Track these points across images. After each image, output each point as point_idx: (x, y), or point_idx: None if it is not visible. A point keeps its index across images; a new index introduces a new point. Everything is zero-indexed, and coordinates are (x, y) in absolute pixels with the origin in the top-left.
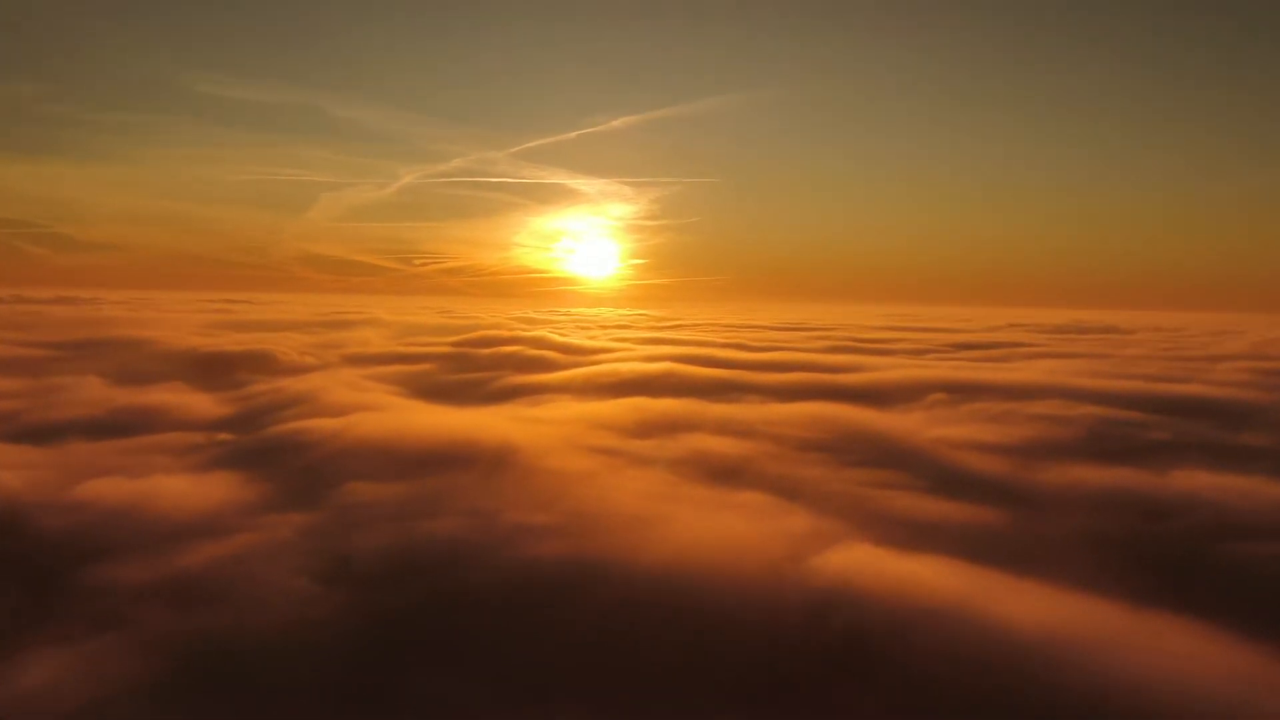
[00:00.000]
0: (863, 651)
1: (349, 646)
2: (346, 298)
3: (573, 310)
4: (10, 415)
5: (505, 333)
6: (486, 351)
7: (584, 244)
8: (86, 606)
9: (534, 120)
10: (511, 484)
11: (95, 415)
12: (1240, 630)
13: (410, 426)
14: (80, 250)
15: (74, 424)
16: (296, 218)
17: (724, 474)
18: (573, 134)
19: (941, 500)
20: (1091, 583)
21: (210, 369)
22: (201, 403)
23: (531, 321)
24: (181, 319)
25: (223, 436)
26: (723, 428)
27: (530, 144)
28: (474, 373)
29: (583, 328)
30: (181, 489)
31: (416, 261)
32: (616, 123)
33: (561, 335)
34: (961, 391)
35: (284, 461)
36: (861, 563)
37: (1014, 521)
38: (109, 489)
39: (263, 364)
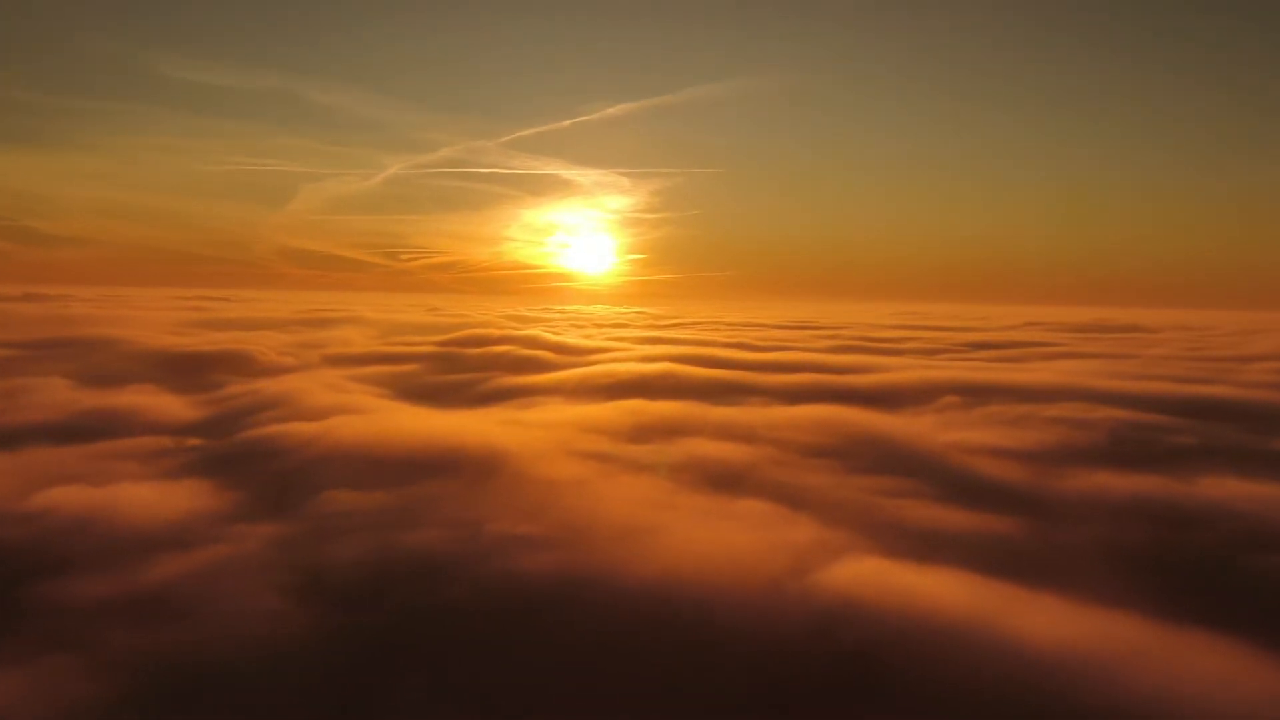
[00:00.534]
0: (871, 671)
1: (321, 666)
2: (329, 294)
3: (567, 308)
4: None
5: (496, 331)
6: (476, 351)
7: (579, 238)
8: (41, 624)
9: (526, 108)
10: (497, 492)
11: (58, 419)
12: (1272, 647)
13: (392, 431)
14: (48, 245)
15: (35, 428)
16: (276, 210)
17: (724, 481)
18: (567, 122)
19: (954, 509)
20: (1113, 597)
21: (183, 370)
22: (172, 405)
23: (524, 320)
24: (154, 317)
25: (193, 441)
26: (723, 432)
27: (522, 133)
28: (462, 374)
29: (578, 326)
30: (147, 497)
31: (403, 256)
32: (614, 110)
33: (555, 334)
34: (976, 394)
35: (257, 468)
36: (869, 576)
37: (1031, 532)
38: (69, 498)
39: (239, 364)
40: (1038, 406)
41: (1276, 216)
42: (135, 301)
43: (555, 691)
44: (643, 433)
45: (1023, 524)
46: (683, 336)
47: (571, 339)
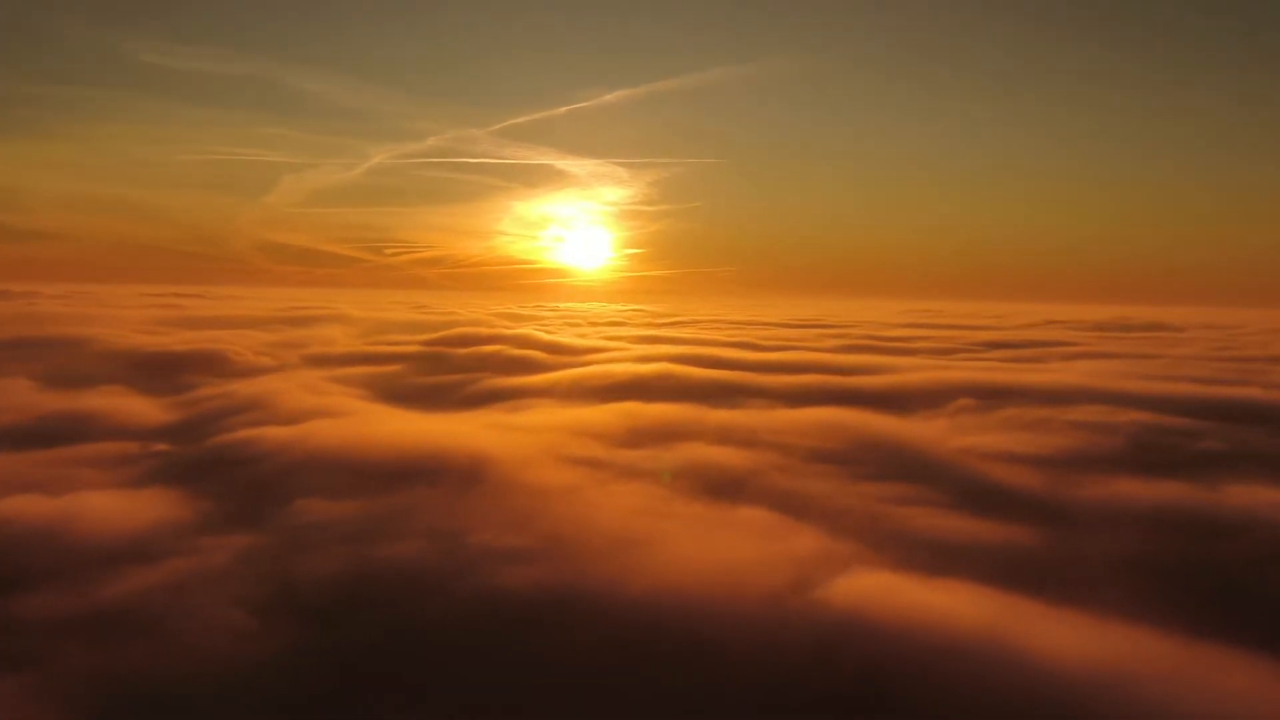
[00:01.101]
0: (878, 693)
1: (290, 688)
2: (310, 291)
3: (561, 305)
4: None
5: (485, 330)
6: (464, 351)
7: (574, 232)
8: None
9: (518, 94)
10: (482, 501)
11: (18, 423)
12: None
13: (373, 435)
14: (14, 239)
15: None
16: (254, 202)
17: (724, 488)
18: (561, 109)
19: (967, 518)
20: (1138, 612)
21: (154, 371)
22: (141, 408)
23: (515, 318)
24: (125, 315)
25: (161, 447)
26: (723, 436)
27: (514, 120)
28: (449, 375)
29: (572, 324)
30: (109, 507)
31: (388, 251)
32: (610, 97)
33: (548, 333)
34: (991, 396)
35: (227, 475)
36: (877, 590)
37: (1050, 542)
38: (25, 507)
39: (213, 365)
40: (1056, 409)
41: None
42: (105, 299)
43: (541, 716)
44: (638, 437)
45: (1040, 534)
46: (682, 335)
47: (565, 338)
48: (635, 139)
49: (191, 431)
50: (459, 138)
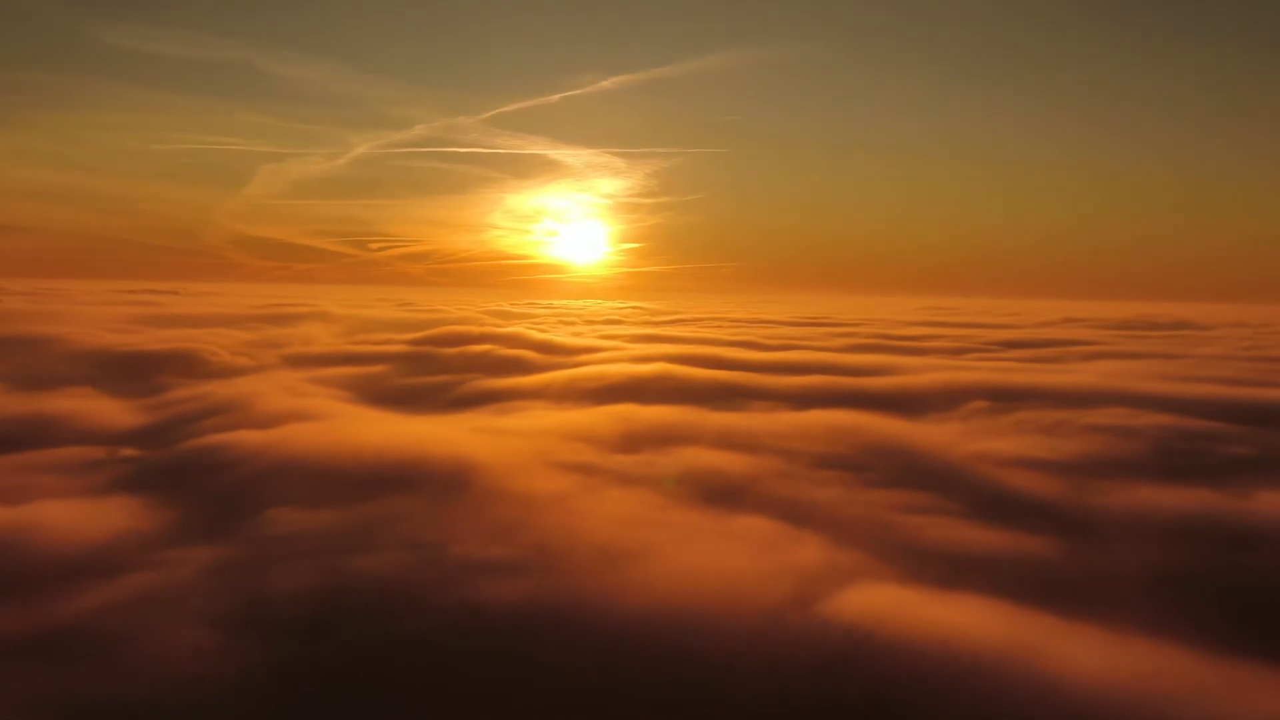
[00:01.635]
0: (887, 717)
1: (258, 709)
2: (289, 287)
3: (555, 302)
4: None
5: (475, 329)
6: (452, 351)
7: (569, 225)
8: None
9: (510, 81)
10: (465, 510)
11: None
12: None
13: (352, 440)
14: None
15: None
16: (231, 194)
17: (723, 495)
18: (555, 96)
19: (982, 528)
20: (1164, 627)
21: (124, 371)
22: (109, 411)
23: (507, 315)
24: (95, 313)
25: (127, 452)
26: (723, 440)
27: (506, 108)
28: (436, 375)
29: (566, 323)
30: (69, 517)
31: (373, 245)
32: (607, 83)
33: (541, 332)
34: (1007, 398)
35: (197, 483)
36: (885, 605)
37: (1069, 554)
38: None
39: (187, 365)
40: (1076, 412)
41: None
42: (73, 295)
43: None
44: (633, 441)
45: (1059, 545)
46: (682, 334)
47: (559, 337)
48: (633, 128)
49: (161, 436)
50: (448, 126)
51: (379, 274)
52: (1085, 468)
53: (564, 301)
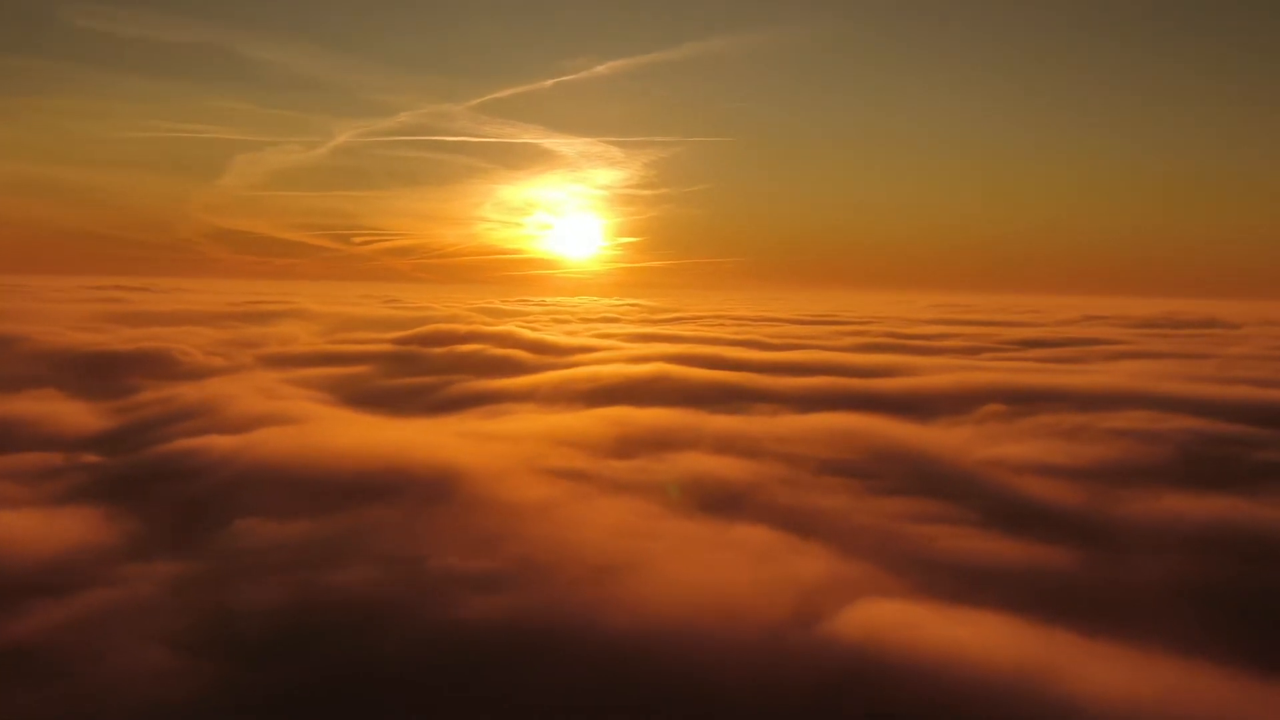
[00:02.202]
0: None
1: None
2: (267, 283)
3: (549, 299)
4: None
5: (463, 327)
6: (438, 351)
7: (563, 218)
8: None
9: (501, 65)
10: (448, 520)
11: None
12: None
13: (329, 445)
14: None
15: None
16: (205, 185)
17: (721, 503)
18: (548, 82)
19: (998, 539)
20: (1191, 645)
21: (91, 372)
22: (73, 414)
23: (497, 313)
24: (60, 310)
25: (89, 458)
26: (723, 444)
27: (496, 94)
28: (420, 376)
29: (560, 321)
30: (22, 528)
31: (355, 239)
32: (603, 68)
33: (533, 330)
34: (1024, 400)
35: (162, 491)
36: (893, 621)
37: (1091, 566)
38: None
39: (158, 366)
40: (1097, 416)
41: None
42: (37, 291)
43: None
44: (627, 446)
45: (1079, 557)
46: (681, 333)
47: (551, 336)
48: (631, 115)
49: (126, 441)
50: (435, 113)
51: (362, 269)
52: (1107, 474)
53: (558, 298)
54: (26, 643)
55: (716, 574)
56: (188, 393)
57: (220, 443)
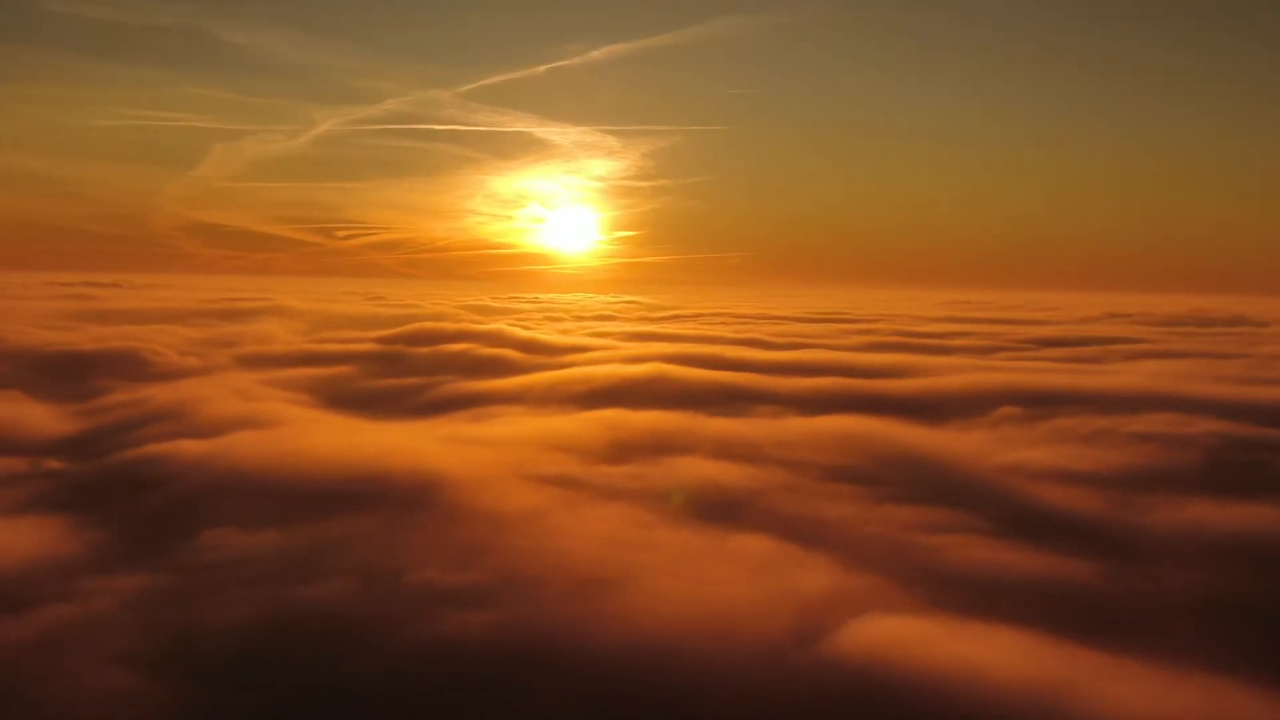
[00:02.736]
0: None
1: None
2: (245, 279)
3: (542, 296)
4: None
5: (451, 326)
6: (424, 350)
7: (557, 211)
8: None
9: (492, 50)
10: (428, 530)
11: None
12: None
13: (306, 450)
14: None
15: None
16: (180, 175)
17: (719, 512)
18: (541, 68)
19: (1014, 549)
20: (1218, 661)
21: (58, 373)
22: (37, 418)
23: (487, 311)
24: (26, 307)
25: (52, 464)
26: (722, 449)
27: (486, 81)
28: (405, 378)
29: (553, 319)
30: None
31: (338, 233)
32: (598, 53)
33: (524, 329)
34: (1042, 403)
35: (127, 500)
36: (902, 638)
37: (1112, 578)
38: None
39: (129, 366)
40: (1119, 419)
41: None
42: (2, 288)
43: None
44: (621, 451)
45: (1101, 569)
46: (680, 331)
47: (544, 335)
48: (629, 103)
49: (93, 446)
50: (422, 100)
51: (345, 264)
52: (1129, 481)
53: (551, 295)
54: None
55: (713, 588)
56: (159, 395)
57: (190, 448)
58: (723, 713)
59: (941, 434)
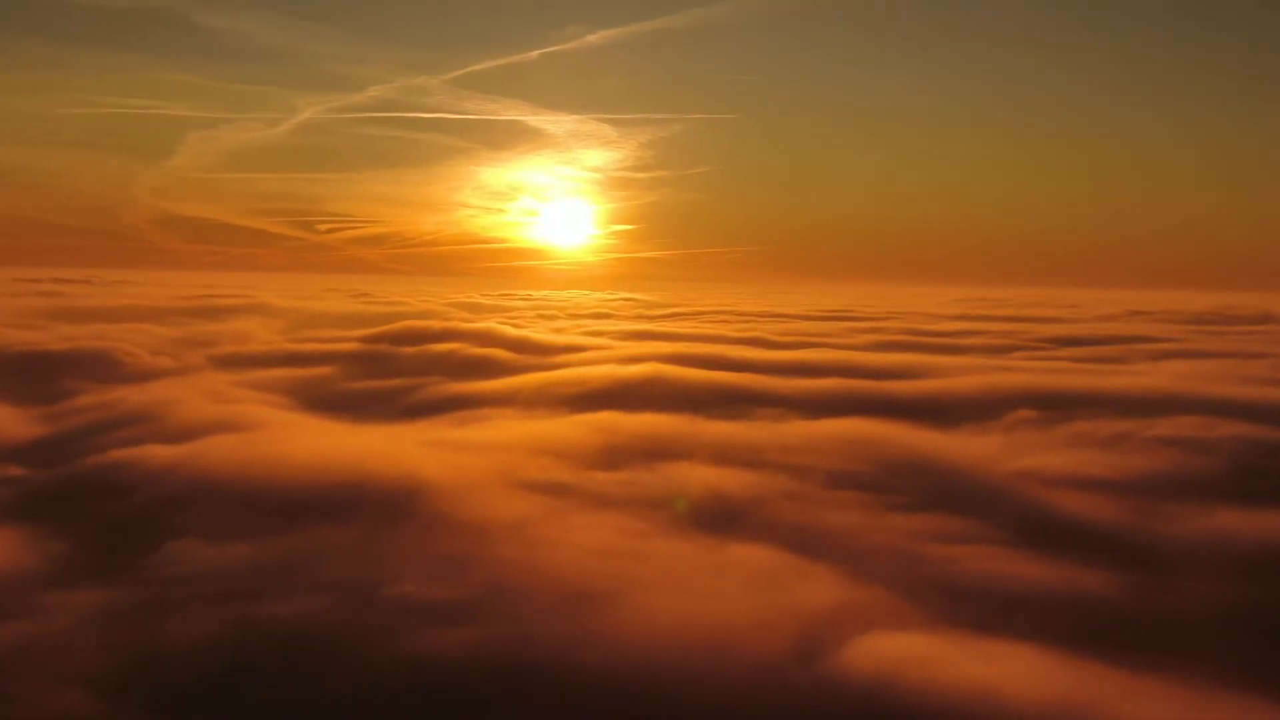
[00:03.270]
0: None
1: None
2: (224, 275)
3: (535, 293)
4: None
5: (439, 324)
6: (410, 350)
7: (551, 204)
8: None
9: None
10: (407, 541)
11: None
12: None
13: (281, 456)
14: None
15: None
16: (154, 166)
17: (717, 520)
18: (534, 53)
19: (1029, 560)
20: (1248, 678)
21: (23, 374)
22: (0, 421)
23: (477, 309)
24: None
25: (14, 471)
26: (721, 453)
27: (476, 67)
28: (390, 379)
29: (546, 317)
30: None
31: (321, 226)
32: (594, 38)
33: (516, 328)
34: (1059, 405)
35: (91, 509)
36: (911, 655)
37: (1134, 591)
38: None
39: (99, 367)
40: (1141, 422)
41: None
42: None
43: None
44: (613, 456)
45: (1122, 580)
46: (680, 330)
47: (536, 334)
48: (625, 90)
49: (57, 451)
50: (408, 88)
51: (329, 260)
52: (1152, 488)
53: (544, 292)
54: None
55: (710, 602)
56: (130, 397)
57: (160, 453)
58: None
59: (953, 438)
